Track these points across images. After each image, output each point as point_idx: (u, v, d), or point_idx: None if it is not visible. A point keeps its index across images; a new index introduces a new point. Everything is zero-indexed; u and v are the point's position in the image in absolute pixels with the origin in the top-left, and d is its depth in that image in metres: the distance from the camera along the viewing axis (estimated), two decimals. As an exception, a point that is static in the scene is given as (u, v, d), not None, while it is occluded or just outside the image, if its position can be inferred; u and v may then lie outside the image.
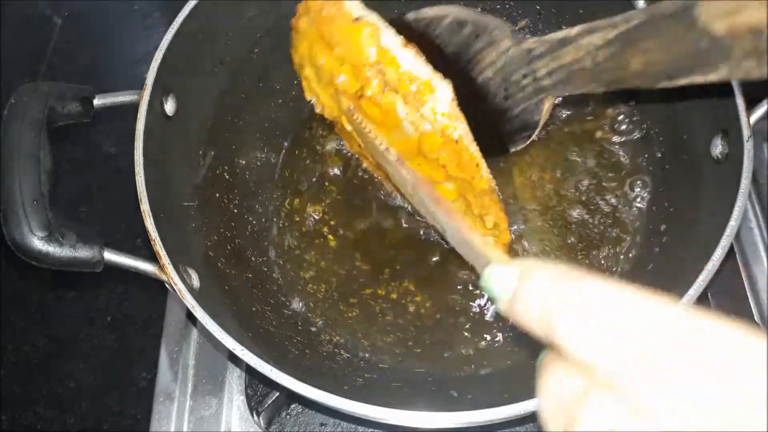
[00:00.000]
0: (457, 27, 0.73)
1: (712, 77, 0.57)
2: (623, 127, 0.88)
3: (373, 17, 0.72)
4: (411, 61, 0.70)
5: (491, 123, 0.78)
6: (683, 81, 0.58)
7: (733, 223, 0.64)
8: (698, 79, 0.57)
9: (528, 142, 0.81)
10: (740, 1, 0.51)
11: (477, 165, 0.72)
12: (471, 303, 0.80)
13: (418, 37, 0.73)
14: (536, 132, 0.80)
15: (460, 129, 0.70)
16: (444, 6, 0.76)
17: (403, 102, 0.70)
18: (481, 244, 0.43)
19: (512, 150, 0.82)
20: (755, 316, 0.77)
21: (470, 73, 0.75)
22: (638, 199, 0.84)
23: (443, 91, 0.70)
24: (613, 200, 0.84)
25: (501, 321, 0.79)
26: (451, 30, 0.74)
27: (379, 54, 0.70)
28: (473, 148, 0.71)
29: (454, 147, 0.71)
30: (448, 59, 0.76)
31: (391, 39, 0.70)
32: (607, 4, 0.86)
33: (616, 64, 0.62)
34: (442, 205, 0.57)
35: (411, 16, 0.77)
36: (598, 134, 0.88)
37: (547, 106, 0.76)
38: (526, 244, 0.82)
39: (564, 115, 0.90)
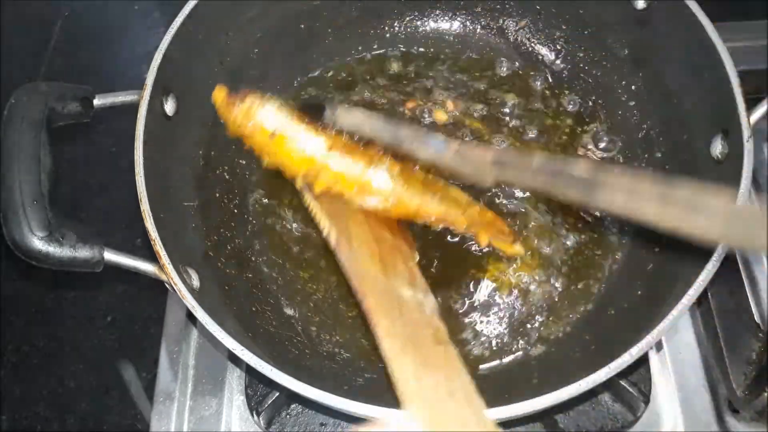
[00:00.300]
0: None
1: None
2: (621, 126, 0.88)
3: (288, 125, 0.73)
4: (341, 164, 0.73)
5: None
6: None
7: (733, 223, 0.64)
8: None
9: None
10: None
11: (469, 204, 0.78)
12: (471, 303, 0.80)
13: None
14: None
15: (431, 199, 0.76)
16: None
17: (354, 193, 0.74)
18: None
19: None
20: (755, 316, 0.77)
21: None
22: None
23: (381, 178, 0.73)
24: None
25: (501, 322, 0.79)
26: None
27: (308, 164, 0.73)
28: (460, 196, 0.78)
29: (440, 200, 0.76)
30: None
31: (313, 146, 0.72)
32: (606, 5, 0.87)
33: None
34: (366, 306, 0.62)
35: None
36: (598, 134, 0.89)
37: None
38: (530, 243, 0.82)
39: (565, 123, 0.90)
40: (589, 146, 0.89)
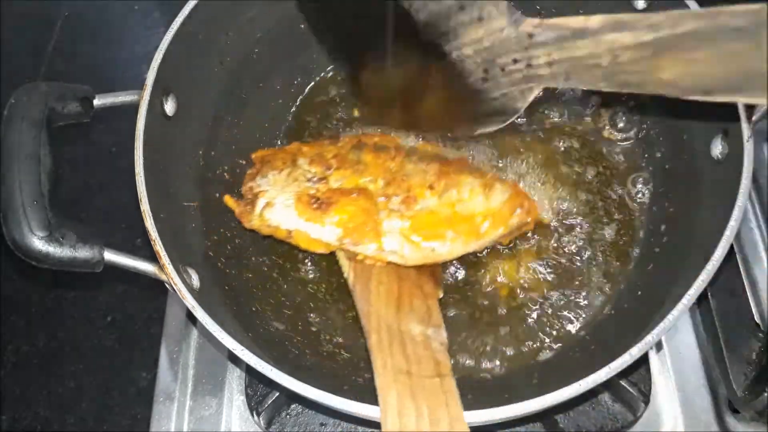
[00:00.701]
0: None
1: (759, 99, 0.52)
2: (621, 125, 0.88)
3: (300, 222, 0.75)
4: (356, 248, 0.75)
5: (458, 100, 0.68)
6: (722, 98, 0.51)
7: (733, 223, 0.64)
8: (741, 99, 0.52)
9: (500, 127, 0.71)
10: None
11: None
12: (471, 304, 0.80)
13: None
14: (513, 118, 0.70)
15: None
16: None
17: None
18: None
19: (478, 132, 0.73)
20: (755, 316, 0.77)
21: (442, 47, 0.63)
22: (638, 200, 0.84)
23: (394, 245, 0.75)
24: (612, 201, 0.84)
25: (500, 323, 0.79)
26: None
27: (328, 247, 0.77)
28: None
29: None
30: (416, 28, 0.63)
31: (328, 235, 0.75)
32: (606, 5, 0.86)
33: (644, 69, 0.53)
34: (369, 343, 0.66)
35: None
36: (604, 133, 0.89)
37: (534, 94, 0.65)
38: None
39: (562, 113, 0.90)
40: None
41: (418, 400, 0.60)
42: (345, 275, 0.77)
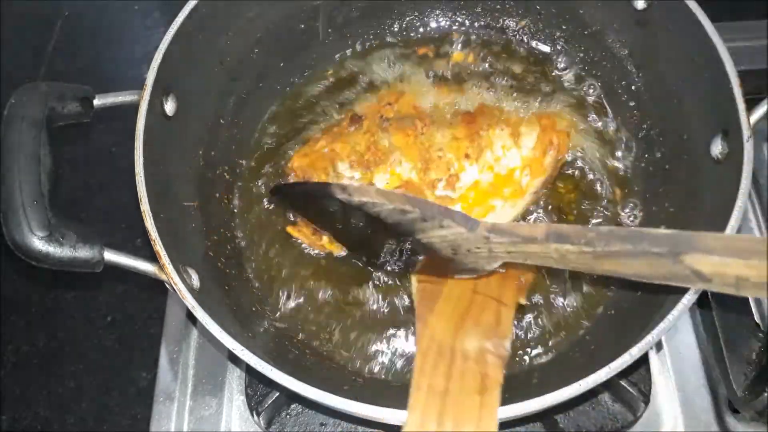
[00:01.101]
0: (400, 212, 0.66)
1: (687, 288, 0.61)
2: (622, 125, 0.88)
3: None
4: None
5: (434, 261, 0.73)
6: (656, 282, 0.59)
7: (733, 223, 0.64)
8: (672, 284, 0.58)
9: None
10: (732, 258, 0.53)
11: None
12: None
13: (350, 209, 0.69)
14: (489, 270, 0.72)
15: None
16: (387, 192, 0.70)
17: None
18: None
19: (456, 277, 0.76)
20: (755, 316, 0.77)
21: (413, 236, 0.70)
22: (637, 199, 0.84)
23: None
24: (611, 201, 0.84)
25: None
26: (393, 212, 0.67)
27: None
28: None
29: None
30: (386, 224, 0.69)
31: None
32: (606, 5, 0.87)
33: (589, 264, 0.61)
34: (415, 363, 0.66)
35: (341, 195, 0.68)
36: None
37: (500, 262, 0.70)
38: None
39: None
40: (589, 146, 0.89)
41: (444, 420, 0.60)
42: (413, 295, 0.77)
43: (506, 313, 0.72)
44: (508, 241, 0.65)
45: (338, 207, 0.70)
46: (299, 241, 0.84)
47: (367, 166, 0.81)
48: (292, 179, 0.83)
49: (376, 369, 0.77)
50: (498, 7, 0.96)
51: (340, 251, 0.82)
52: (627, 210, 0.84)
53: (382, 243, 0.74)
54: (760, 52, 0.99)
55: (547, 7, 0.93)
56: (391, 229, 0.69)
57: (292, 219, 0.85)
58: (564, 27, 0.93)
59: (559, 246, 0.61)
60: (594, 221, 0.83)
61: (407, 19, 0.98)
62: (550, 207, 0.84)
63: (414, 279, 0.78)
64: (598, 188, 0.85)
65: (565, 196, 0.85)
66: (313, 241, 0.83)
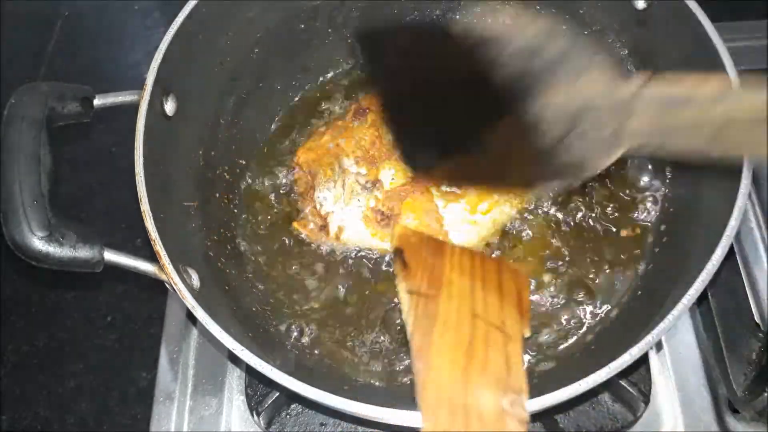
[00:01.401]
0: (532, 52, 0.53)
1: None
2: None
3: (373, 243, 0.80)
4: None
5: (527, 158, 0.60)
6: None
7: (733, 223, 0.64)
8: None
9: (573, 183, 0.65)
10: None
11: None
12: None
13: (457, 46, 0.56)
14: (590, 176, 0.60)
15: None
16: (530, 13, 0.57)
17: None
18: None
19: (543, 189, 0.68)
20: (755, 316, 0.77)
21: (521, 106, 0.56)
22: (637, 199, 0.84)
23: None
24: (612, 201, 0.84)
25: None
26: (523, 52, 0.54)
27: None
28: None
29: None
30: (494, 86, 0.56)
31: None
32: (606, 5, 0.87)
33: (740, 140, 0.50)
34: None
35: (457, 27, 0.56)
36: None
37: (618, 155, 0.57)
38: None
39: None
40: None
41: None
42: (404, 316, 0.69)
43: (514, 351, 0.64)
44: (667, 98, 0.50)
45: (440, 60, 0.55)
46: (300, 239, 0.84)
47: (373, 161, 0.81)
48: (296, 174, 0.83)
49: (377, 369, 0.77)
50: (498, 7, 0.96)
51: (343, 247, 0.82)
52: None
53: (476, 122, 0.57)
54: (760, 52, 0.99)
55: (547, 7, 0.93)
56: (503, 89, 0.53)
57: (297, 214, 0.85)
58: (564, 27, 0.93)
59: (734, 104, 0.47)
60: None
61: (407, 19, 0.98)
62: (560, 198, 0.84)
63: (402, 289, 0.72)
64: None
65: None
66: (318, 237, 0.82)
